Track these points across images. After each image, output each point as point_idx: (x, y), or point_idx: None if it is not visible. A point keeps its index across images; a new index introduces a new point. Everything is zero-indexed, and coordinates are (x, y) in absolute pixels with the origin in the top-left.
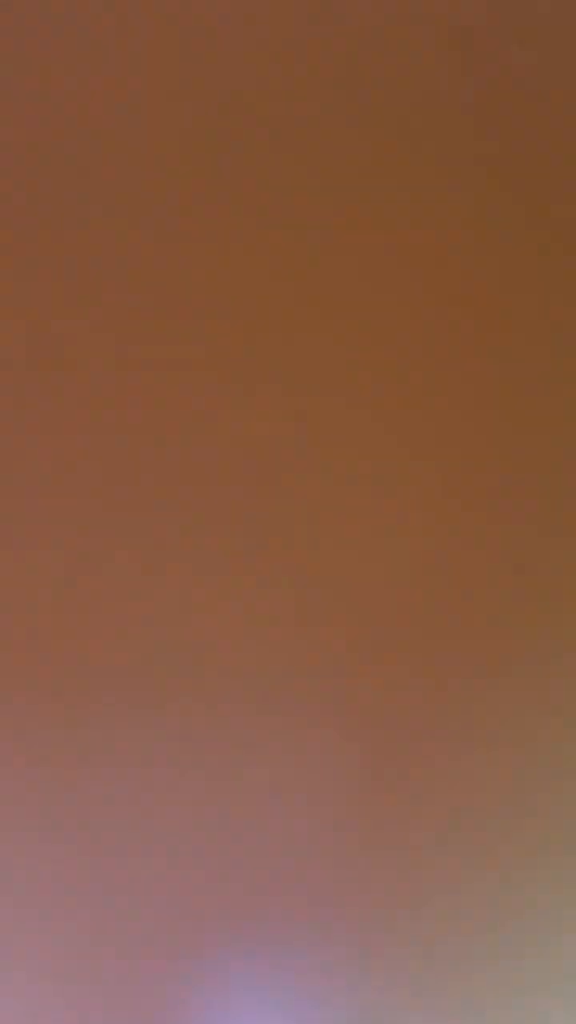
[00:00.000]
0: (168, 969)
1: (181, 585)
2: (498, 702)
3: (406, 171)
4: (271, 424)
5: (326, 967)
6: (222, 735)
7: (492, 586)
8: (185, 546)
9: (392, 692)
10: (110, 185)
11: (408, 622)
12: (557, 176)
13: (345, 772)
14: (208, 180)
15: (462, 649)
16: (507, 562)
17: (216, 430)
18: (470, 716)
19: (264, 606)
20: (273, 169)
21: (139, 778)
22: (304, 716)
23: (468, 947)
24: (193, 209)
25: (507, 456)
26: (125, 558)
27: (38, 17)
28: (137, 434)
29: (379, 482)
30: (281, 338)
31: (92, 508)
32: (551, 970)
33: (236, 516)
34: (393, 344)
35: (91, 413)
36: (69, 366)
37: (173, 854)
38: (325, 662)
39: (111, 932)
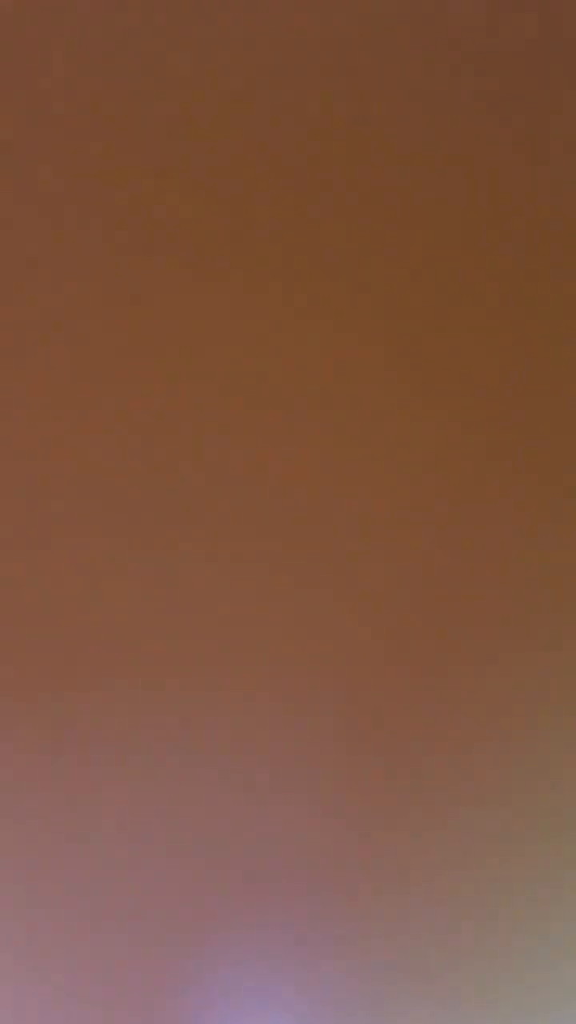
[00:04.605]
0: (168, 958)
1: (182, 575)
2: (495, 692)
3: (404, 167)
4: (275, 420)
5: (324, 957)
6: (222, 726)
7: (491, 578)
8: (187, 537)
9: (390, 683)
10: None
11: (407, 615)
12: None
13: (344, 762)
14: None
15: (460, 641)
16: (509, 553)
17: (219, 426)
18: (466, 706)
19: (265, 597)
20: (273, 153)
21: (138, 770)
22: (303, 707)
23: (466, 935)
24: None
25: (511, 453)
26: (125, 551)
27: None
28: (142, 432)
29: (382, 473)
30: (279, 341)
31: (92, 500)
32: (549, 961)
33: (239, 508)
34: (391, 344)
35: (97, 410)
36: (75, 367)
37: (172, 844)
38: (325, 654)
39: (110, 927)
